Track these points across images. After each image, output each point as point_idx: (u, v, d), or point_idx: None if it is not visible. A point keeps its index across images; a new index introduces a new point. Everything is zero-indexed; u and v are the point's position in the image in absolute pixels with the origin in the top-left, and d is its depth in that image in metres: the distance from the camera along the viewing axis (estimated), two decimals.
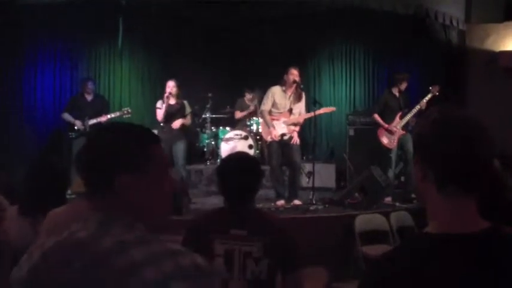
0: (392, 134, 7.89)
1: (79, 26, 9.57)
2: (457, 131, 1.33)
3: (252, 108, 10.11)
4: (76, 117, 8.17)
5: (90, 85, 8.50)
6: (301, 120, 7.45)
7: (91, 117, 8.13)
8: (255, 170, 2.94)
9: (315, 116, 7.56)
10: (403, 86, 8.10)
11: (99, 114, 8.21)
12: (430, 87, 7.83)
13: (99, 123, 8.14)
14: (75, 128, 8.12)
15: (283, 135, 7.32)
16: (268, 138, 7.36)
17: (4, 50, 8.55)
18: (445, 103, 1.51)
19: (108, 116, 8.29)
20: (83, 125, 8.09)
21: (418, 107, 7.80)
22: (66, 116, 8.27)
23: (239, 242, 2.70)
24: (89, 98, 8.44)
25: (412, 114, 7.84)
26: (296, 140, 7.34)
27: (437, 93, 7.76)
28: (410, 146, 7.90)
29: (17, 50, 9.06)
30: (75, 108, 8.33)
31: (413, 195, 7.73)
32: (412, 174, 7.83)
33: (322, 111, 7.63)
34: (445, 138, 1.33)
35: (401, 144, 8.00)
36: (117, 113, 8.44)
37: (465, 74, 9.20)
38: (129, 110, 8.52)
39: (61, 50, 9.77)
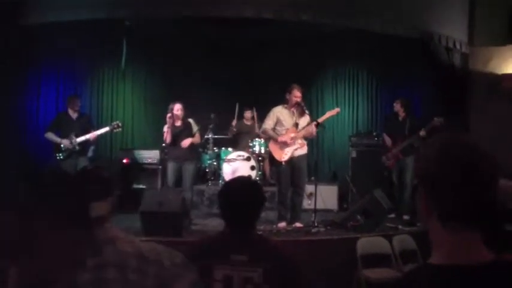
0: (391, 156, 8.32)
1: (82, 46, 9.62)
2: (459, 169, 1.31)
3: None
4: (61, 137, 7.93)
5: (79, 102, 8.29)
6: (310, 130, 7.33)
7: (78, 135, 7.89)
8: (257, 196, 2.92)
9: (317, 131, 7.52)
10: (397, 110, 8.34)
11: (86, 132, 7.95)
12: (435, 118, 7.90)
13: (87, 141, 7.97)
14: (62, 147, 7.87)
15: (295, 150, 7.30)
16: (282, 159, 7.31)
17: (7, 70, 8.55)
18: (448, 131, 1.49)
19: (98, 132, 8.05)
20: (71, 143, 7.85)
21: (415, 136, 8.02)
22: (51, 136, 7.98)
23: (239, 268, 2.64)
24: (75, 116, 8.18)
25: (409, 141, 8.10)
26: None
27: (439, 124, 7.82)
28: (408, 168, 8.06)
29: (20, 70, 9.05)
30: (60, 126, 8.04)
31: (405, 217, 7.92)
32: (406, 198, 7.98)
33: (327, 115, 7.62)
34: (446, 176, 1.31)
35: (400, 168, 8.18)
36: (107, 128, 8.20)
37: (468, 97, 9.19)
38: (119, 124, 8.32)
39: (64, 70, 9.81)
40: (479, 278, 1.27)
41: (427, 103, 9.20)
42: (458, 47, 8.93)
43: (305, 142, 7.44)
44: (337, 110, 7.93)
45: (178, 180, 7.78)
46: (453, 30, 8.87)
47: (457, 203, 1.30)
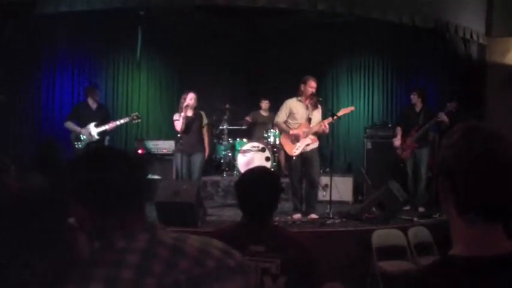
0: (406, 146, 8.24)
1: (98, 36, 9.66)
2: (476, 157, 1.27)
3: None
4: (80, 126, 8.03)
5: (98, 93, 8.40)
6: (323, 127, 7.26)
7: (97, 126, 8.01)
8: (274, 187, 2.89)
9: (333, 122, 7.43)
10: (415, 101, 8.30)
11: (104, 123, 8.07)
12: (448, 104, 7.88)
13: (105, 131, 8.09)
14: (81, 137, 7.98)
15: (307, 145, 7.26)
16: (293, 153, 7.28)
17: (23, 60, 8.59)
18: (469, 120, 1.45)
19: (117, 123, 8.17)
20: (90, 133, 7.96)
21: (431, 122, 8.00)
22: (70, 125, 8.09)
23: (257, 258, 2.63)
24: (94, 106, 8.28)
25: (425, 129, 8.06)
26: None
27: (453, 110, 7.80)
28: (423, 160, 8.08)
29: (36, 59, 9.11)
30: (79, 117, 8.14)
31: (420, 209, 7.92)
32: (421, 191, 8.04)
33: (341, 113, 7.54)
34: (466, 167, 1.27)
35: (414, 160, 8.17)
36: (126, 119, 8.31)
37: (485, 88, 9.10)
38: (139, 115, 8.41)
39: (79, 60, 9.82)
40: (502, 270, 1.24)
41: (443, 94, 9.13)
42: (475, 38, 8.84)
43: (316, 137, 7.39)
44: (351, 108, 7.87)
45: (187, 172, 7.83)
46: (470, 20, 8.77)
47: (474, 194, 1.26)
